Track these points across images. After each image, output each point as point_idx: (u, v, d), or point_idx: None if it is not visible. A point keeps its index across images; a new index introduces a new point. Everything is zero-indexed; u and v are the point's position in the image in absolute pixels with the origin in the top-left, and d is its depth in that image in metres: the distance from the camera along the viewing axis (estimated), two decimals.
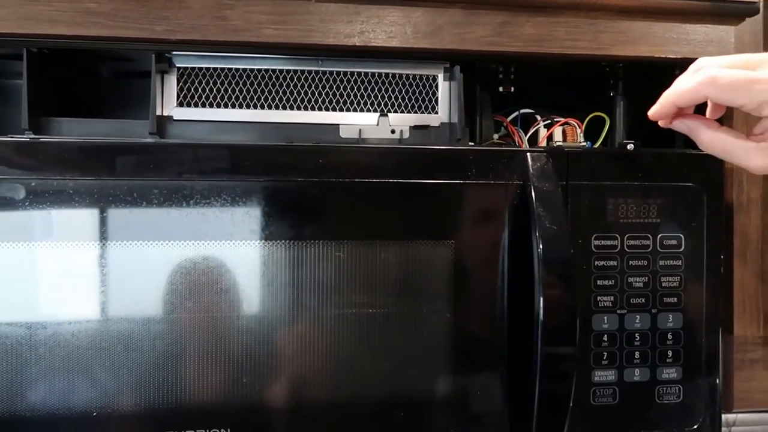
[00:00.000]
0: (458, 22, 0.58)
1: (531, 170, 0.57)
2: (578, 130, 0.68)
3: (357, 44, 0.57)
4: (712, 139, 0.51)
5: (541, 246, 0.54)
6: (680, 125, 0.53)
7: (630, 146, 0.63)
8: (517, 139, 0.69)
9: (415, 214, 0.56)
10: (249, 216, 0.53)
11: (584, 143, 0.68)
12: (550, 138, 0.69)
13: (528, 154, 0.57)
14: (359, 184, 0.55)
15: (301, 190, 0.54)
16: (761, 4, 0.62)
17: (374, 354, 0.56)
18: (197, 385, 0.53)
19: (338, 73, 0.62)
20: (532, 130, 0.70)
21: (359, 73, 0.62)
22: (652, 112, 0.53)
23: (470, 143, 0.69)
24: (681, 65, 0.64)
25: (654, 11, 0.61)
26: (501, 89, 0.72)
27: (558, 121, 0.69)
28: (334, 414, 0.56)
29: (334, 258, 0.55)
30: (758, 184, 0.64)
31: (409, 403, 0.57)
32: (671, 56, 0.62)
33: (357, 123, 0.61)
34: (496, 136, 0.70)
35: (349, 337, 0.56)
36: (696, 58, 0.62)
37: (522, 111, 0.71)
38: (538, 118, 0.70)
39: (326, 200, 0.55)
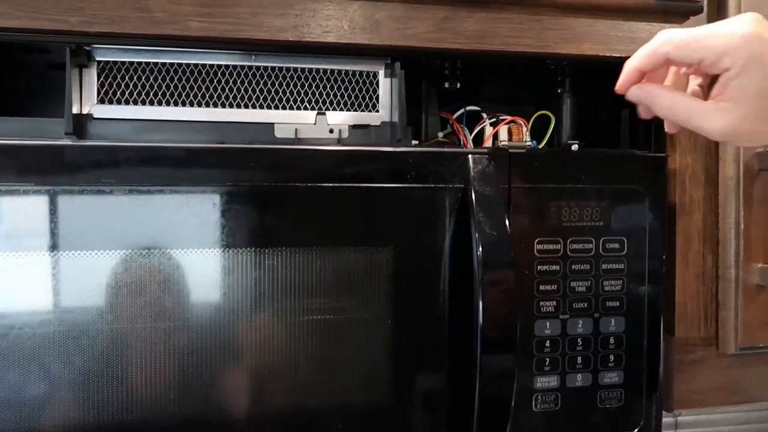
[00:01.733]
0: (398, 16, 0.56)
1: (472, 173, 0.55)
2: (524, 129, 0.67)
3: (290, 39, 0.54)
4: (671, 103, 0.48)
5: (480, 251, 0.53)
6: (637, 91, 0.50)
7: (574, 147, 0.62)
8: (462, 137, 0.67)
9: (353, 218, 0.54)
10: (174, 223, 0.50)
11: (530, 143, 0.67)
12: (495, 137, 0.67)
13: (470, 156, 0.55)
14: (293, 188, 0.52)
15: (231, 195, 0.51)
16: (705, 3, 0.61)
17: (314, 363, 0.54)
18: (124, 401, 0.50)
19: (273, 68, 0.58)
20: (477, 129, 0.68)
21: (295, 69, 0.59)
22: (618, 84, 0.51)
23: (414, 141, 0.67)
24: None
25: (598, 8, 0.60)
26: (447, 85, 0.70)
27: (504, 120, 0.67)
28: (271, 427, 0.53)
29: (268, 266, 0.52)
30: (701, 186, 0.64)
31: (350, 411, 0.55)
32: (615, 55, 0.61)
33: (293, 122, 0.59)
34: (440, 134, 0.68)
35: (287, 346, 0.53)
36: None
37: (468, 108, 0.69)
38: (484, 116, 0.68)
39: (259, 206, 0.52)
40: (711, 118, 0.46)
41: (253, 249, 0.52)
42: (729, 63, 0.44)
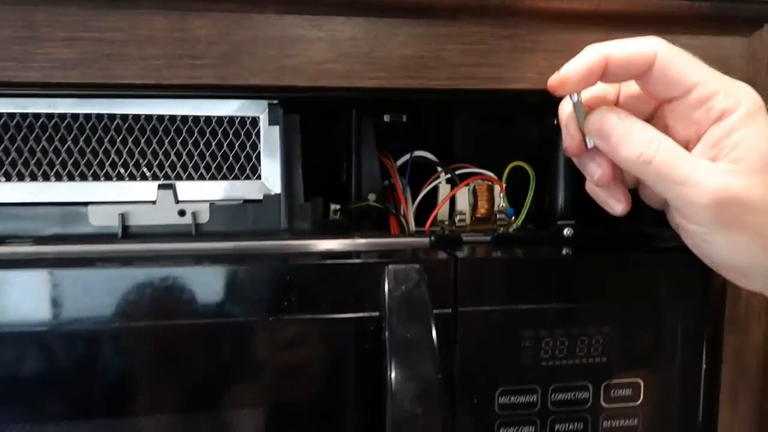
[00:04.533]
0: (272, 36, 0.34)
1: (388, 300, 0.34)
2: (496, 190, 0.45)
3: (86, 81, 0.32)
4: (649, 139, 0.32)
5: (391, 416, 0.32)
6: (609, 116, 0.33)
7: (567, 231, 0.40)
8: (402, 203, 0.45)
9: (196, 370, 0.34)
10: None
11: (504, 210, 0.45)
12: (452, 202, 0.45)
13: (388, 269, 0.34)
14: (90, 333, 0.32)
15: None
16: None
17: None
18: None
19: (85, 117, 0.37)
20: (426, 189, 0.46)
21: (122, 117, 0.37)
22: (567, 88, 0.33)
23: (335, 206, 0.45)
24: None
25: (611, 16, 0.36)
26: (387, 118, 0.48)
27: (470, 176, 0.45)
28: None
29: None
30: None
31: None
32: None
33: (120, 199, 0.37)
34: (372, 196, 0.46)
35: None
36: None
37: (415, 154, 0.47)
38: (439, 169, 0.46)
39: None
40: (710, 168, 0.31)
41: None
42: (731, 103, 0.31)
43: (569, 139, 0.34)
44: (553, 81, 0.32)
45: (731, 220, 0.31)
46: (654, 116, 0.35)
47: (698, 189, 0.31)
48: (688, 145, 0.33)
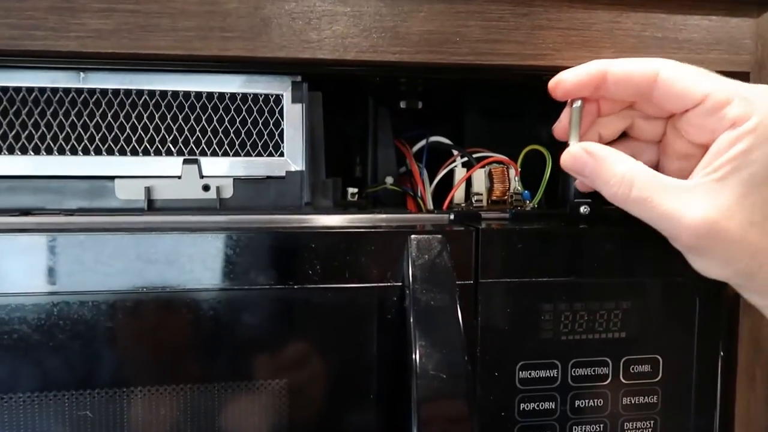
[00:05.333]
0: (299, 12, 0.35)
1: (411, 268, 0.34)
2: (511, 173, 0.46)
3: (116, 51, 0.33)
4: (627, 173, 0.33)
5: (416, 387, 0.32)
6: (580, 153, 0.35)
7: (584, 209, 0.41)
8: (419, 185, 0.46)
9: (221, 339, 0.34)
10: None
11: (519, 192, 0.46)
12: (468, 184, 0.46)
13: (411, 238, 0.35)
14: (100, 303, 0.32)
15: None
16: None
17: None
18: None
19: (113, 92, 0.38)
20: (442, 172, 0.47)
21: (150, 93, 0.38)
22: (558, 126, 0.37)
23: (353, 189, 0.46)
24: None
25: None
26: (403, 105, 0.49)
27: (485, 158, 0.46)
28: None
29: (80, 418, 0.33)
30: None
31: None
32: None
33: (146, 174, 0.38)
34: (389, 179, 0.47)
35: None
36: None
37: (431, 139, 0.48)
38: (454, 153, 0.47)
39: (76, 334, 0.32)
40: (689, 199, 0.31)
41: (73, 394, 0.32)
42: (743, 111, 0.30)
43: (559, 125, 0.37)
44: (551, 81, 0.35)
45: (705, 249, 0.32)
46: (668, 121, 0.36)
47: (678, 222, 0.32)
48: (704, 147, 0.34)
